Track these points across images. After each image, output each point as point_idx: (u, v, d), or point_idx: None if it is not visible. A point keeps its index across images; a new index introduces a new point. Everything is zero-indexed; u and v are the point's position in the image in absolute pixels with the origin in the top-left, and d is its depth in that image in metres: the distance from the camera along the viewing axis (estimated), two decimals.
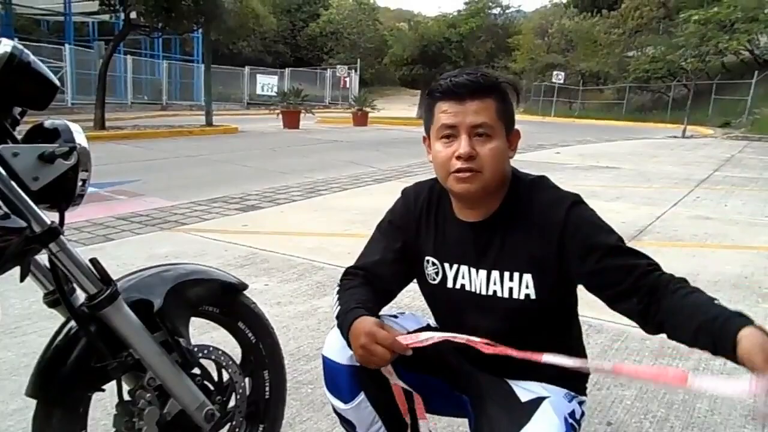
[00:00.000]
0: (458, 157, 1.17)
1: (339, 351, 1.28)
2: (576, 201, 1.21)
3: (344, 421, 1.35)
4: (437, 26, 22.03)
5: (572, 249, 1.17)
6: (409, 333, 1.30)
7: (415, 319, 1.40)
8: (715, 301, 1.06)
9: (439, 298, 1.36)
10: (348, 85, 27.49)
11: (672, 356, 2.39)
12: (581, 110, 28.03)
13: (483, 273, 1.25)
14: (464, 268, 1.28)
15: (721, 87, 22.03)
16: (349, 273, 1.36)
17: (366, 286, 1.30)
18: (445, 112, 1.18)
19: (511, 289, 1.22)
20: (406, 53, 22.45)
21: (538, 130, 15.30)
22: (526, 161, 8.62)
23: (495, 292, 1.24)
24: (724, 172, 8.27)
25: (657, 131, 17.83)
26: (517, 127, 1.25)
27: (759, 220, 5.10)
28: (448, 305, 1.34)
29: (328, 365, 1.31)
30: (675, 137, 15.36)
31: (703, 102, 21.16)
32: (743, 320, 0.98)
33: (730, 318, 1.00)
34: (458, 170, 1.17)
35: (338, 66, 27.79)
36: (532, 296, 1.21)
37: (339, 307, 1.27)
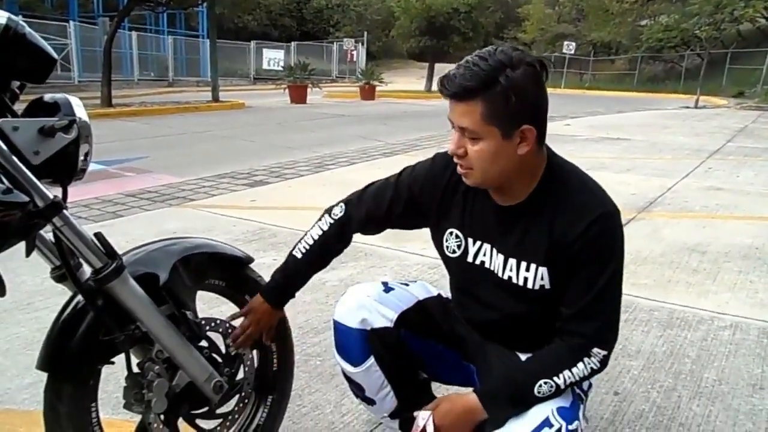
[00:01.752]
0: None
1: (350, 315, 1.30)
2: (604, 213, 1.16)
3: (353, 385, 1.38)
4: None
5: (577, 253, 1.16)
6: (419, 301, 1.35)
7: (425, 289, 1.41)
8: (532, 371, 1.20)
9: (456, 269, 1.35)
10: (355, 59, 27.16)
11: (680, 327, 2.39)
12: (592, 81, 27.58)
13: (501, 257, 1.24)
14: (487, 246, 1.27)
15: (735, 56, 21.55)
16: (333, 215, 1.40)
17: (327, 244, 1.38)
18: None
19: (526, 279, 1.22)
20: (413, 25, 22.07)
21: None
22: None
23: (510, 278, 1.24)
24: (737, 143, 8.14)
25: (669, 102, 17.54)
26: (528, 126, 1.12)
27: None
28: (464, 277, 1.34)
29: (339, 329, 1.33)
30: (687, 108, 15.11)
31: (716, 72, 20.73)
32: (484, 390, 1.22)
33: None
34: (456, 163, 1.18)
35: (345, 39, 27.42)
36: (547, 286, 1.21)
37: (289, 253, 1.40)
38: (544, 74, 1.13)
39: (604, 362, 1.19)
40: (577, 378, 1.17)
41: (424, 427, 1.21)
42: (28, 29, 1.01)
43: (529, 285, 1.22)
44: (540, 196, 1.19)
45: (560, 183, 1.19)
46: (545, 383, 1.16)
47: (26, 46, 1.01)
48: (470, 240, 1.29)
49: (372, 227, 1.41)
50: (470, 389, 1.25)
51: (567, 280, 1.19)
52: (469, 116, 1.10)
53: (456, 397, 1.25)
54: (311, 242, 1.39)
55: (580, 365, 1.17)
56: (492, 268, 1.26)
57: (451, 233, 1.32)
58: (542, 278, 1.21)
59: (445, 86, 1.11)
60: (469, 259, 1.29)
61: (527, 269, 1.21)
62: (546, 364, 1.19)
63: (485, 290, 1.29)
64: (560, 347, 1.20)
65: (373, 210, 1.38)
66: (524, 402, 1.17)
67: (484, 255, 1.27)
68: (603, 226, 1.16)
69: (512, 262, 1.23)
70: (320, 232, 1.40)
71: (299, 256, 1.39)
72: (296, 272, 1.40)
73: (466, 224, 1.29)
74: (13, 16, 0.99)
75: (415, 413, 1.25)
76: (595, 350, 1.17)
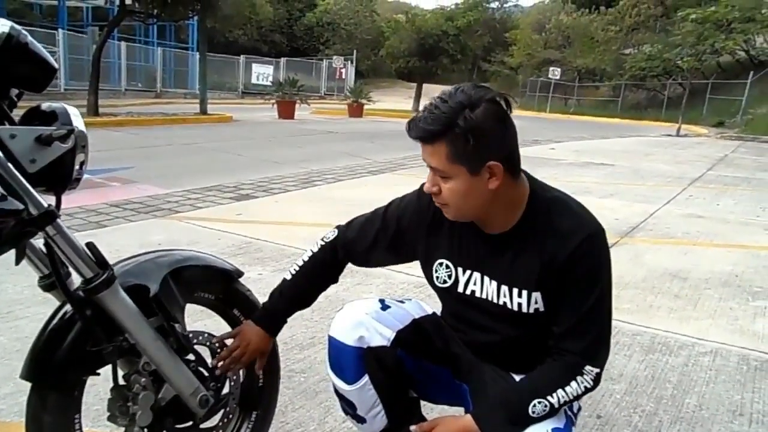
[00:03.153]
0: None
1: (346, 332, 1.30)
2: (591, 234, 1.19)
3: (345, 402, 1.37)
4: (435, 19, 21.89)
5: (565, 273, 1.19)
6: (414, 320, 1.36)
7: (420, 307, 1.42)
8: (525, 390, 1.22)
9: (448, 298, 1.37)
10: (344, 76, 27.37)
11: (662, 352, 2.42)
12: (577, 107, 28.06)
13: (495, 284, 1.26)
14: (477, 275, 1.29)
15: (716, 86, 22.11)
16: (324, 238, 1.46)
17: (316, 267, 1.43)
18: None
19: (520, 304, 1.24)
20: (402, 45, 22.34)
21: (533, 126, 15.31)
22: (521, 156, 8.63)
23: (505, 303, 1.25)
24: (717, 171, 8.32)
25: (652, 129, 17.90)
26: (494, 161, 1.14)
27: (751, 220, 5.14)
28: (457, 306, 1.36)
29: (335, 345, 1.32)
30: (669, 135, 15.43)
31: (698, 101, 21.24)
32: (480, 412, 1.23)
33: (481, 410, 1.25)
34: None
35: (334, 57, 27.66)
36: (542, 309, 1.23)
37: (283, 279, 1.44)
38: (509, 109, 1.16)
39: (596, 380, 1.20)
40: (571, 397, 1.18)
41: None
42: (30, 38, 1.01)
43: (524, 310, 1.23)
44: (526, 224, 1.22)
45: (545, 209, 1.22)
46: (539, 403, 1.17)
47: (27, 55, 1.01)
48: (460, 269, 1.31)
49: (359, 256, 1.44)
50: (463, 412, 1.26)
51: (559, 299, 1.21)
52: (435, 157, 1.15)
53: (452, 419, 1.25)
54: (301, 264, 1.44)
55: (573, 384, 1.18)
56: (483, 296, 1.28)
57: (441, 264, 1.33)
58: (536, 302, 1.23)
59: (412, 130, 1.16)
60: (460, 288, 1.31)
61: (519, 295, 1.23)
62: (540, 383, 1.20)
63: (479, 316, 1.31)
64: (553, 366, 1.21)
65: (360, 238, 1.41)
66: (519, 422, 1.18)
67: (475, 284, 1.29)
68: (589, 247, 1.18)
69: (505, 288, 1.25)
70: (310, 254, 1.44)
71: (289, 278, 1.43)
72: (286, 296, 1.43)
73: (455, 254, 1.31)
74: (15, 26, 1.00)
75: None
76: (588, 368, 1.19)
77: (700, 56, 20.81)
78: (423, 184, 1.37)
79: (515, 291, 1.23)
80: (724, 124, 19.77)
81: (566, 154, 9.65)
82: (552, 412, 1.18)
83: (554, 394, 1.17)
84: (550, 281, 1.20)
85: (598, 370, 1.20)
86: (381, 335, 1.30)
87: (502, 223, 1.23)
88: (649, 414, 1.95)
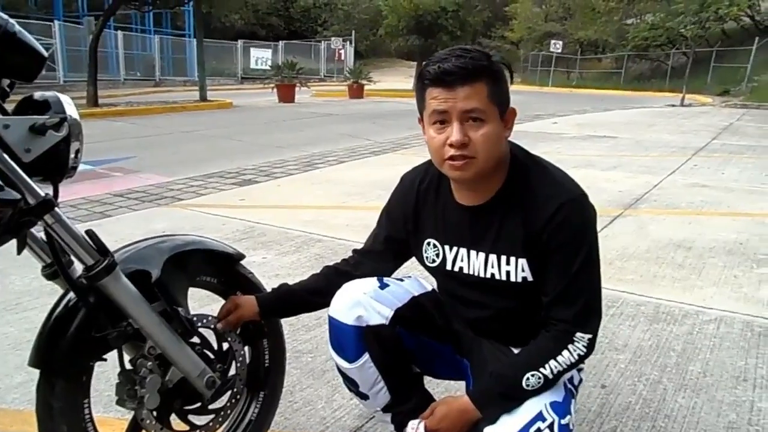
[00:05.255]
0: (451, 145, 1.15)
1: (345, 312, 1.32)
2: (570, 200, 1.18)
3: (347, 380, 1.39)
4: None
5: (547, 242, 1.18)
6: (413, 297, 1.37)
7: (420, 284, 1.43)
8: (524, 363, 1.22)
9: (439, 277, 1.39)
10: (343, 58, 27.13)
11: (666, 321, 2.43)
12: (579, 80, 27.78)
13: (482, 255, 1.26)
14: (463, 251, 1.29)
15: (720, 54, 21.78)
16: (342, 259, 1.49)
17: (328, 274, 1.46)
18: (436, 98, 1.15)
19: (508, 273, 1.24)
20: (401, 24, 22.11)
21: (535, 100, 15.21)
22: (523, 131, 8.59)
23: (493, 275, 1.26)
24: (722, 140, 8.25)
25: (655, 100, 17.72)
26: (512, 105, 1.22)
27: (756, 188, 5.11)
28: (449, 284, 1.37)
29: (334, 325, 1.34)
30: (673, 106, 15.27)
31: (702, 70, 20.95)
32: (476, 390, 1.26)
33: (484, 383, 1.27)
34: (452, 157, 1.16)
35: (333, 38, 27.39)
36: (529, 278, 1.23)
37: None
38: (510, 74, 1.22)
39: (590, 347, 1.20)
40: (564, 366, 1.19)
41: None
42: (18, 27, 1.01)
43: (512, 278, 1.24)
44: (508, 190, 1.23)
45: (525, 175, 1.22)
46: (532, 375, 1.18)
47: (17, 45, 1.01)
48: (447, 247, 1.32)
49: (376, 263, 1.44)
50: (463, 392, 1.27)
51: (544, 269, 1.21)
52: (476, 97, 1.13)
53: (451, 400, 1.27)
54: (318, 271, 1.48)
55: (566, 353, 1.19)
56: (471, 272, 1.28)
57: (428, 243, 1.35)
58: (523, 270, 1.23)
59: (450, 72, 1.12)
60: (448, 266, 1.32)
61: (507, 263, 1.23)
62: (532, 356, 1.21)
63: (470, 292, 1.32)
64: (544, 338, 1.22)
65: (371, 247, 1.46)
66: (515, 396, 1.19)
67: (462, 260, 1.30)
68: (569, 212, 1.17)
69: (493, 258, 1.25)
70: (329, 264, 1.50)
71: (304, 279, 1.48)
72: (293, 287, 1.46)
73: (440, 232, 1.32)
74: (3, 15, 0.99)
75: (410, 423, 1.27)
76: (579, 335, 1.19)
77: (703, 24, 20.52)
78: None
79: (503, 259, 1.24)
80: (729, 92, 19.52)
81: (569, 127, 9.58)
82: (547, 383, 1.19)
83: (547, 365, 1.18)
84: (534, 248, 1.20)
85: (590, 336, 1.20)
86: (379, 314, 1.32)
87: (491, 186, 1.23)
88: (654, 382, 1.96)
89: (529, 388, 1.18)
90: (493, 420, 1.19)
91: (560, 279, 1.19)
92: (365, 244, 1.48)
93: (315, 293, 1.43)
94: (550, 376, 1.18)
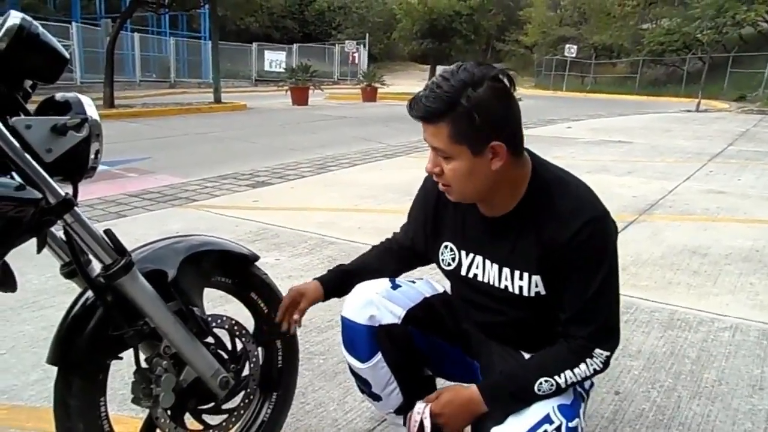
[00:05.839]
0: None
1: (358, 312, 1.32)
2: (592, 219, 1.16)
3: (360, 380, 1.39)
4: None
5: (567, 260, 1.17)
6: (425, 298, 1.39)
7: (431, 286, 1.44)
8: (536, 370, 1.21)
9: (454, 281, 1.39)
10: (357, 61, 27.21)
11: (681, 328, 2.40)
12: (593, 84, 27.63)
13: (496, 267, 1.26)
14: (479, 259, 1.29)
15: (737, 60, 21.56)
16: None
17: (383, 250, 1.52)
18: None
19: (521, 287, 1.23)
20: (415, 27, 22.16)
21: (549, 105, 15.15)
22: (537, 136, 8.56)
23: (506, 287, 1.25)
24: (738, 147, 8.16)
25: (671, 105, 17.57)
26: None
27: None
28: (463, 289, 1.37)
29: (347, 325, 1.35)
30: (689, 111, 15.13)
31: (718, 75, 20.75)
32: (486, 384, 1.25)
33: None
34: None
35: (347, 41, 27.48)
36: (543, 292, 1.22)
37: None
38: (512, 86, 1.13)
39: (606, 363, 1.20)
40: (579, 378, 1.19)
41: (421, 420, 1.23)
42: (41, 29, 1.03)
43: (525, 293, 1.23)
44: (526, 206, 1.20)
45: (546, 191, 1.19)
46: (546, 381, 1.17)
47: (39, 46, 1.03)
48: (463, 252, 1.32)
49: (411, 254, 1.49)
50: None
51: (561, 284, 1.20)
52: (437, 137, 1.12)
53: (458, 388, 1.27)
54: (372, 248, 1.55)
55: (582, 366, 1.18)
56: (485, 280, 1.28)
57: (446, 246, 1.35)
58: (536, 285, 1.22)
59: (413, 109, 1.13)
60: (463, 272, 1.32)
61: (521, 278, 1.22)
62: (548, 362, 1.20)
63: (484, 299, 1.31)
64: (562, 348, 1.21)
65: (402, 240, 1.51)
66: (524, 398, 1.19)
67: (477, 267, 1.29)
68: (591, 231, 1.15)
69: (506, 271, 1.24)
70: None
71: (359, 257, 1.54)
72: (354, 274, 1.47)
73: (458, 237, 1.32)
74: (26, 17, 1.01)
75: (416, 405, 1.26)
76: (597, 351, 1.19)
77: (720, 29, 20.31)
78: (427, 175, 1.40)
79: (516, 274, 1.23)
80: (745, 98, 19.30)
81: (583, 132, 9.53)
82: (558, 391, 1.18)
83: (562, 374, 1.18)
84: (551, 265, 1.19)
85: (608, 353, 1.20)
86: (392, 313, 1.33)
87: (504, 204, 1.22)
88: (668, 389, 1.94)
89: (540, 393, 1.18)
90: (499, 420, 1.19)
91: (580, 297, 1.18)
92: (399, 232, 1.53)
93: (372, 273, 1.46)
94: (563, 386, 1.18)
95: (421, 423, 1.23)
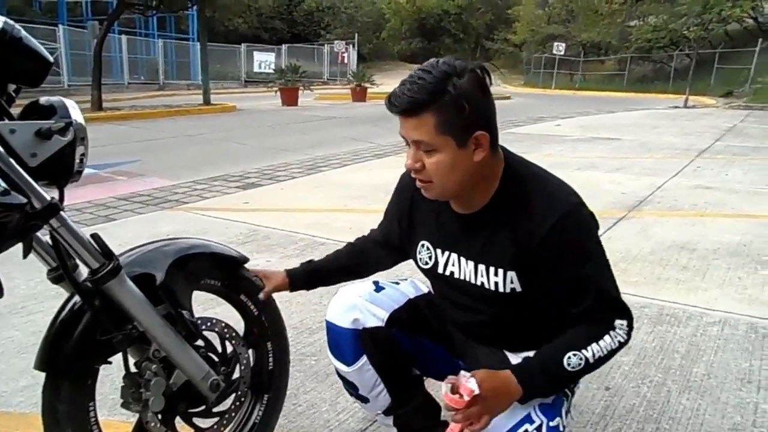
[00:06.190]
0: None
1: (342, 316, 1.32)
2: (565, 212, 1.15)
3: (347, 383, 1.39)
4: None
5: (547, 255, 1.16)
6: (409, 299, 1.39)
7: (416, 287, 1.44)
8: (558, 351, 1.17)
9: (431, 279, 1.39)
10: (346, 61, 27.21)
11: (670, 323, 2.42)
12: (582, 82, 27.76)
13: (471, 264, 1.25)
14: (454, 256, 1.28)
15: (723, 56, 21.73)
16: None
17: (356, 249, 1.53)
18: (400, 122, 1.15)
19: (496, 284, 1.22)
20: (404, 27, 22.24)
21: (538, 103, 15.21)
22: (526, 134, 8.60)
23: (482, 283, 1.24)
24: (726, 142, 8.23)
25: (659, 102, 17.69)
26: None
27: (759, 189, 5.09)
28: (442, 287, 1.36)
29: (331, 329, 1.36)
30: (677, 107, 15.25)
31: (705, 72, 20.92)
32: (517, 365, 1.20)
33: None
34: (414, 178, 1.19)
35: (336, 41, 27.49)
36: (518, 289, 1.21)
37: None
38: (487, 79, 1.13)
39: (628, 334, 1.19)
40: (606, 351, 1.16)
41: (470, 389, 1.09)
42: (24, 33, 1.02)
43: (500, 289, 1.22)
44: (500, 202, 1.20)
45: (519, 186, 1.19)
46: (574, 355, 1.14)
47: (22, 50, 1.02)
48: (439, 251, 1.31)
49: (386, 251, 1.50)
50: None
51: (544, 280, 1.18)
52: (421, 129, 1.10)
53: (491, 372, 1.15)
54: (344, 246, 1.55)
55: (607, 338, 1.16)
56: (462, 277, 1.27)
57: (422, 245, 1.34)
58: (512, 282, 1.21)
59: (394, 103, 1.11)
60: (440, 270, 1.31)
61: (496, 274, 1.21)
62: (572, 339, 1.17)
63: (462, 297, 1.31)
64: (582, 327, 1.19)
65: (377, 236, 1.52)
66: (556, 375, 1.15)
67: (453, 265, 1.29)
68: (568, 224, 1.15)
69: (482, 267, 1.23)
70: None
71: (331, 254, 1.54)
72: (323, 270, 1.50)
73: (434, 235, 1.32)
74: (9, 20, 1.00)
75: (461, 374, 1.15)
76: (617, 322, 1.18)
77: (706, 25, 20.50)
78: (403, 173, 1.40)
79: (491, 270, 1.22)
80: (732, 93, 19.48)
81: (572, 129, 9.58)
82: (588, 367, 1.15)
83: (589, 348, 1.15)
84: (527, 262, 1.18)
85: (626, 323, 1.19)
86: (375, 316, 1.33)
87: (479, 200, 1.21)
88: (658, 384, 1.96)
89: (570, 368, 1.14)
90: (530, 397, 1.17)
91: (584, 289, 1.17)
92: (375, 229, 1.53)
93: (343, 272, 1.49)
94: (591, 360, 1.15)
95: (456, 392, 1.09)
